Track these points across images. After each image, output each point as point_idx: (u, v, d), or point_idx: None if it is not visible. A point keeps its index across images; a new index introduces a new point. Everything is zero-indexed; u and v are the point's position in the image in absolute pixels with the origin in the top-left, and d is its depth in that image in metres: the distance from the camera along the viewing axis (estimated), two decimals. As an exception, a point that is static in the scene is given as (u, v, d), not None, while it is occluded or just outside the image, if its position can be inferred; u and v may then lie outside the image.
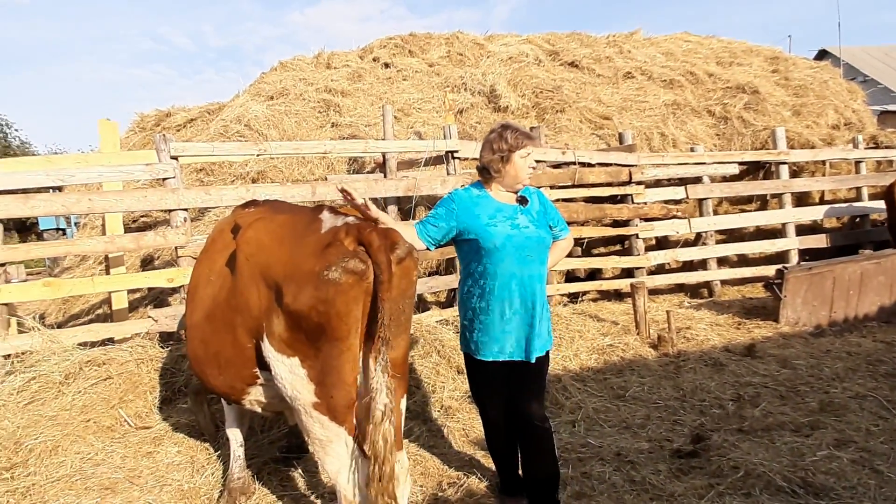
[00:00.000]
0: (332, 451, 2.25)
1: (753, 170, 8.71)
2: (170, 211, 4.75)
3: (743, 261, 8.19)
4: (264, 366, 2.41)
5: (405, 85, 9.25)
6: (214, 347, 2.63)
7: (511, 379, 2.84)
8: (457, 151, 5.87)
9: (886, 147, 9.15)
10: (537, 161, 6.56)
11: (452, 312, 5.76)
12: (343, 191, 2.57)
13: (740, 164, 7.99)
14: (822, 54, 21.69)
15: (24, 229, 25.34)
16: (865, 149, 8.80)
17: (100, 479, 3.21)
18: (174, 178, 4.76)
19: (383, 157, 6.17)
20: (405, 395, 2.43)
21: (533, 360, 2.74)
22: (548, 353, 2.85)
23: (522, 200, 2.82)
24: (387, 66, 9.81)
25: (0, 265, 4.21)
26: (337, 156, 6.87)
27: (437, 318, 5.49)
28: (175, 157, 4.80)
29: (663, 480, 3.18)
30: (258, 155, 5.07)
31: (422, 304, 6.63)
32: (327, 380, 2.18)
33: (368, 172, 7.47)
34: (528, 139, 2.78)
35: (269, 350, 2.30)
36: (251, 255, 2.43)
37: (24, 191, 4.44)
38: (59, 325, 6.37)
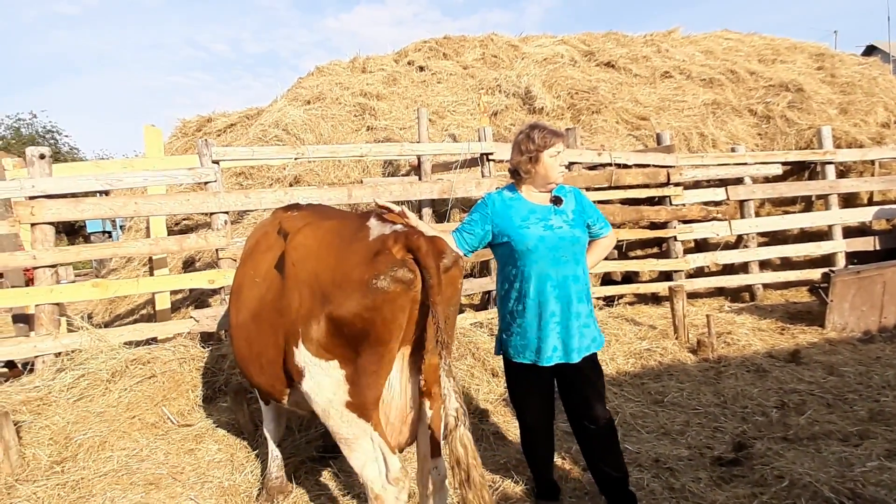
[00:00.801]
0: (359, 446, 2.28)
1: (798, 170, 8.44)
2: (211, 214, 4.87)
3: (786, 264, 7.94)
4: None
5: (439, 88, 9.28)
6: (258, 348, 2.69)
7: (561, 383, 2.83)
8: (491, 154, 5.86)
9: (941, 145, 8.75)
10: (572, 163, 6.53)
11: (487, 315, 5.75)
12: (381, 207, 2.60)
13: (784, 164, 7.75)
14: (871, 50, 20.93)
15: (73, 232, 26.35)
16: (918, 147, 8.42)
17: (144, 475, 3.30)
18: (215, 181, 4.88)
19: (418, 159, 6.20)
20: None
21: (575, 362, 2.70)
22: (595, 355, 2.81)
23: (556, 200, 2.79)
24: (421, 69, 9.86)
25: (51, 266, 4.38)
26: (373, 159, 6.94)
27: (471, 321, 5.48)
28: (216, 162, 4.92)
29: (704, 489, 3.11)
30: (296, 159, 5.16)
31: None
32: (362, 381, 2.22)
33: (403, 175, 7.52)
34: (556, 137, 2.75)
35: (303, 354, 2.34)
36: (299, 260, 2.47)
37: (74, 195, 4.61)
38: (105, 325, 6.60)
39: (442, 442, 2.13)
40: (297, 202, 3.19)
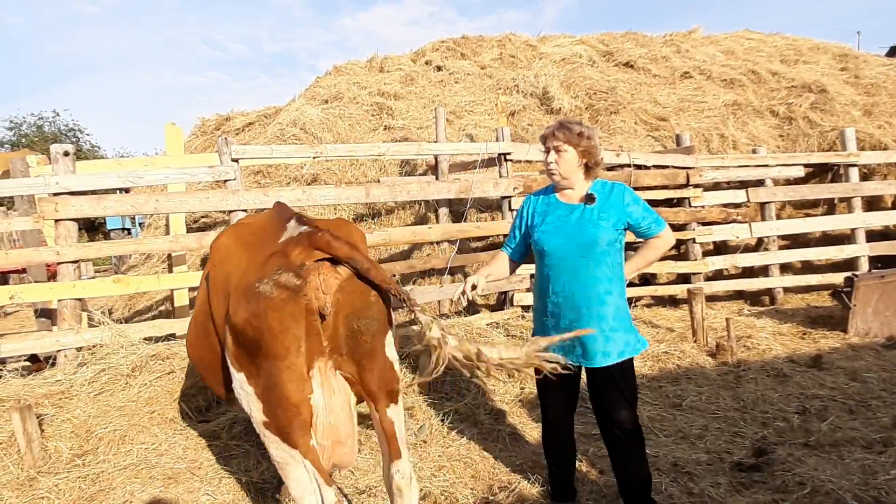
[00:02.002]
0: (291, 473, 2.12)
1: (820, 172, 8.29)
2: (230, 212, 4.91)
3: (808, 267, 7.81)
4: None
5: (457, 87, 9.28)
6: (199, 351, 2.62)
7: (589, 384, 2.80)
8: (509, 154, 5.84)
9: (968, 148, 8.56)
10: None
11: (503, 315, 5.73)
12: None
13: (806, 166, 7.62)
14: (894, 51, 20.51)
15: (93, 229, 26.75)
16: (945, 150, 8.24)
17: (163, 469, 3.34)
18: (234, 179, 4.92)
19: (435, 159, 6.21)
20: (395, 405, 2.30)
21: (596, 366, 2.67)
22: (629, 359, 2.73)
23: (589, 199, 2.70)
24: (439, 68, 9.87)
25: (74, 262, 4.45)
26: (390, 158, 6.96)
27: (487, 321, 5.47)
28: (236, 160, 4.96)
29: (723, 494, 3.07)
30: (314, 157, 5.18)
31: (471, 307, 6.63)
32: (271, 398, 2.05)
33: (420, 175, 7.53)
34: (547, 131, 2.72)
35: (228, 363, 2.22)
36: (220, 261, 2.37)
37: (94, 192, 4.68)
38: (125, 321, 6.68)
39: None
40: (280, 201, 3.10)
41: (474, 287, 2.73)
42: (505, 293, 5.96)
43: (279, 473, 2.19)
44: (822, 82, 9.13)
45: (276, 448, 2.11)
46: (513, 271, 3.06)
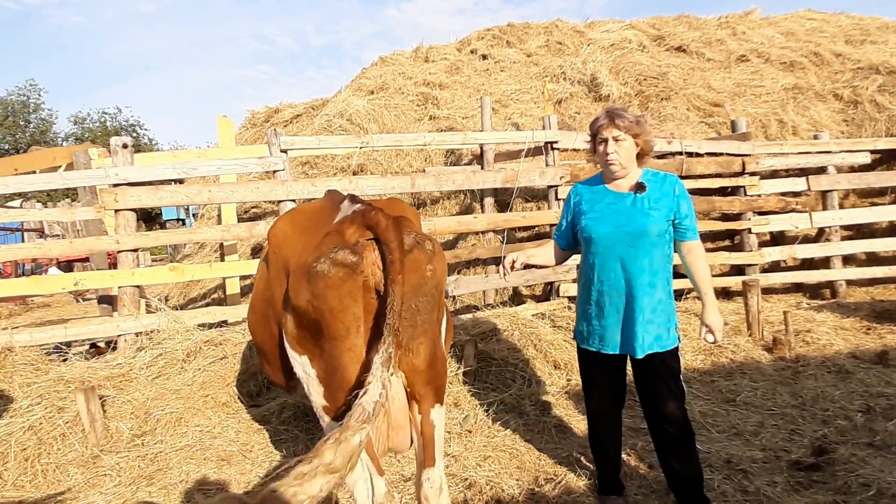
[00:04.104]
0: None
1: (888, 159, 7.83)
2: (279, 202, 5.00)
3: (872, 259, 7.41)
4: None
5: (503, 76, 9.18)
6: (259, 338, 2.63)
7: (635, 375, 2.77)
8: (556, 142, 5.74)
9: None
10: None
11: (549, 306, 5.66)
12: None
13: (872, 152, 7.21)
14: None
15: (149, 220, 27.87)
16: None
17: (217, 451, 3.45)
18: (283, 170, 5.01)
19: (481, 148, 6.16)
20: (440, 406, 2.20)
21: (639, 356, 2.62)
22: (672, 350, 2.68)
23: (639, 187, 2.64)
24: (484, 57, 9.79)
25: (133, 250, 4.63)
26: (436, 148, 6.95)
27: (532, 312, 5.41)
28: (284, 151, 5.04)
29: (780, 493, 2.95)
30: (361, 148, 5.22)
31: (517, 298, 6.58)
32: (333, 382, 2.03)
33: (465, 164, 7.50)
34: (606, 119, 2.60)
35: (287, 348, 2.21)
36: (277, 246, 2.37)
37: (152, 183, 4.84)
38: (180, 308, 6.93)
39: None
40: (333, 188, 3.08)
41: (513, 263, 2.78)
42: (551, 284, 5.88)
43: None
44: (892, 63, 8.60)
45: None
46: (561, 260, 3.03)
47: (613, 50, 9.25)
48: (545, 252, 2.97)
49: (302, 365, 2.16)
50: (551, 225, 5.87)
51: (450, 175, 5.51)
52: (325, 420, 2.14)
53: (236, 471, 3.28)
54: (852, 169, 7.38)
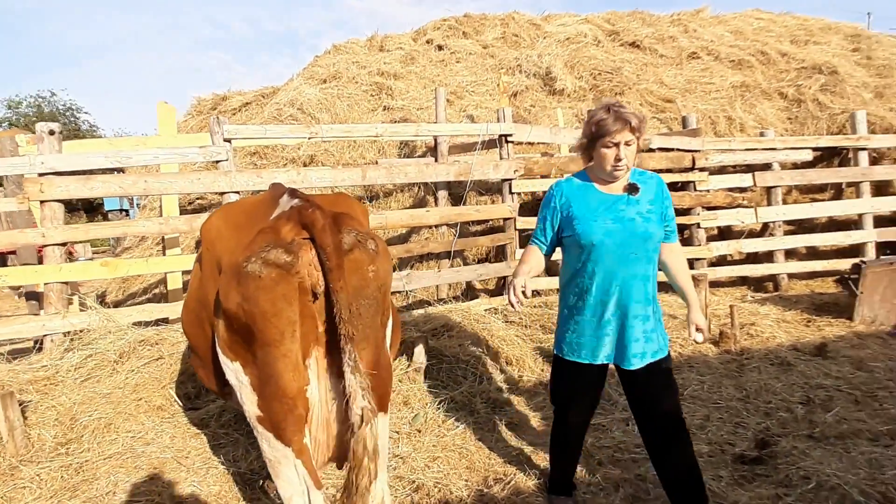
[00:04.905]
0: (282, 473, 1.99)
1: (828, 156, 8.11)
2: (223, 193, 4.78)
3: (813, 253, 7.67)
4: None
5: (458, 67, 9.08)
6: (192, 340, 2.49)
7: (632, 383, 2.60)
8: (510, 135, 5.67)
9: (982, 132, 8.35)
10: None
11: (502, 301, 5.62)
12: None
13: (814, 149, 7.44)
14: (907, 32, 20.11)
15: (91, 210, 26.65)
16: (958, 134, 8.05)
17: (149, 459, 3.25)
18: (227, 160, 4.78)
19: (435, 141, 6.06)
20: (383, 415, 2.13)
21: (633, 368, 2.49)
22: (664, 358, 2.57)
23: (632, 189, 2.48)
24: (440, 48, 9.65)
25: (61, 244, 4.33)
26: (388, 139, 6.79)
27: (485, 307, 5.36)
28: (228, 140, 4.81)
29: (725, 487, 2.98)
30: (309, 138, 5.03)
31: (470, 292, 6.52)
32: (266, 390, 1.92)
33: (419, 157, 7.38)
34: (618, 123, 2.36)
35: (219, 352, 2.09)
36: (210, 243, 2.23)
37: (86, 172, 4.54)
38: (118, 304, 6.60)
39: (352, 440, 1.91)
40: (277, 182, 2.92)
41: (524, 289, 2.52)
42: (504, 278, 5.84)
43: (271, 473, 2.07)
44: (833, 63, 8.90)
45: (268, 445, 2.00)
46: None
47: (569, 44, 9.26)
48: (536, 263, 2.69)
49: (234, 372, 2.03)
50: (505, 219, 5.82)
51: (402, 167, 5.38)
52: (260, 430, 2.00)
53: (170, 479, 3.09)
54: (795, 166, 7.60)
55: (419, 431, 3.75)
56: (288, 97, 8.37)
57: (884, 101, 8.65)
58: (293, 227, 1.91)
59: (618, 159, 2.40)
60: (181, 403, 3.79)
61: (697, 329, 2.64)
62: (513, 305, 2.55)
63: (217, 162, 4.81)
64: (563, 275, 2.67)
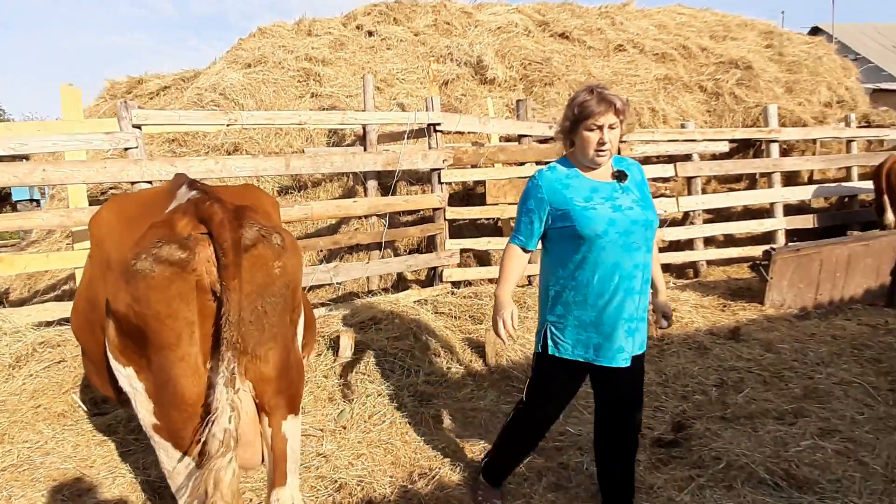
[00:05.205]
0: (182, 485, 1.86)
1: (744, 148, 8.53)
2: (133, 183, 4.49)
3: (730, 241, 8.05)
4: None
5: (389, 54, 8.92)
6: (84, 345, 2.32)
7: (607, 384, 2.49)
8: (439, 124, 5.61)
9: (878, 126, 9.00)
10: (522, 135, 6.35)
11: (432, 292, 5.59)
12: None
13: (731, 141, 7.79)
14: (815, 31, 21.45)
15: (1, 200, 24.72)
16: (857, 127, 8.63)
17: (48, 470, 3.02)
18: (136, 147, 4.49)
19: (363, 129, 5.92)
20: (294, 417, 2.00)
21: (615, 365, 2.39)
22: (644, 351, 2.52)
23: (620, 176, 2.39)
24: (370, 34, 9.45)
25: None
26: (314, 127, 6.59)
27: (415, 298, 5.31)
28: (138, 126, 4.52)
29: (642, 472, 3.06)
30: (227, 125, 4.80)
31: (402, 283, 6.46)
32: (164, 397, 1.79)
33: (348, 145, 7.21)
34: (602, 104, 2.25)
35: (109, 357, 1.95)
36: (100, 238, 2.07)
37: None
38: (23, 302, 6.13)
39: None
40: (182, 172, 2.72)
41: (512, 317, 2.40)
42: (434, 269, 5.80)
43: (171, 487, 1.93)
44: (748, 59, 9.33)
45: (166, 455, 1.88)
46: None
47: (500, 33, 9.27)
48: (520, 269, 2.54)
49: (127, 378, 1.89)
50: (434, 209, 5.77)
51: (328, 156, 5.22)
52: (157, 440, 1.87)
53: (70, 491, 2.89)
54: (714, 157, 7.93)
55: (344, 428, 3.67)
56: (210, 82, 7.98)
57: (793, 95, 9.15)
58: (189, 220, 1.78)
59: (601, 143, 2.29)
60: (86, 409, 3.54)
61: (664, 315, 2.60)
62: (503, 341, 2.46)
63: (126, 149, 4.51)
64: (553, 269, 2.46)
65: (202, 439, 1.70)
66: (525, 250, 2.51)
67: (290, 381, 1.97)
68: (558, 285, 2.44)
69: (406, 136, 5.62)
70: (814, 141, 8.85)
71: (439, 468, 3.18)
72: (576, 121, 2.33)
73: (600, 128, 2.28)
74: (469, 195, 7.11)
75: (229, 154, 7.03)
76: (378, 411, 3.83)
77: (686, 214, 7.55)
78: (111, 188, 7.12)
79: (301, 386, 2.07)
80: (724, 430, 3.45)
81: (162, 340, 1.74)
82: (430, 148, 5.68)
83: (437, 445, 3.46)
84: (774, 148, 7.77)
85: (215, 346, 1.78)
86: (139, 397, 1.87)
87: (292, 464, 2.00)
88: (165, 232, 1.75)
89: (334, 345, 4.29)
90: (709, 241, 7.75)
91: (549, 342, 2.46)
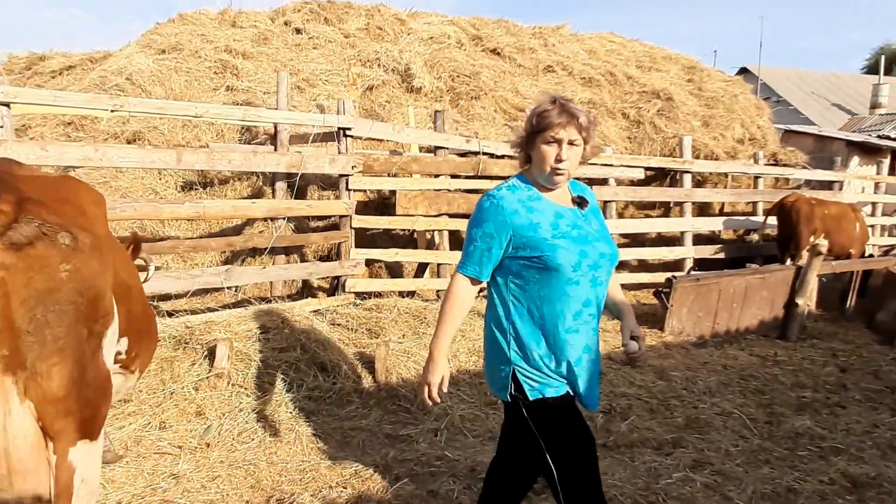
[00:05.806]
0: None
1: (661, 176, 8.77)
2: None
3: (643, 266, 8.24)
4: None
5: (315, 54, 8.66)
6: None
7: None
8: (349, 129, 5.41)
9: (784, 165, 9.48)
10: (438, 147, 6.23)
11: (333, 302, 5.35)
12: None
13: (647, 169, 7.97)
14: (743, 72, 22.71)
15: None
16: (765, 165, 9.06)
17: None
18: (2, 127, 4.06)
19: (275, 128, 5.67)
20: (88, 442, 1.76)
21: (597, 408, 2.20)
22: None
23: (581, 202, 2.15)
24: (298, 31, 9.16)
25: None
26: (210, 121, 6.21)
27: (312, 308, 5.05)
28: (6, 104, 4.09)
29: (513, 502, 2.94)
30: (112, 111, 4.41)
31: (308, 290, 6.19)
32: None
33: (258, 143, 6.90)
34: (563, 116, 1.99)
35: None
36: None
37: None
38: None
39: None
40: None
41: (441, 383, 2.09)
42: (337, 278, 5.57)
43: None
44: (670, 91, 9.65)
45: None
46: None
47: (432, 43, 9.19)
48: (466, 308, 2.16)
49: None
50: (341, 216, 5.55)
51: (225, 154, 4.91)
52: None
53: None
54: (632, 182, 8.10)
55: (208, 446, 3.40)
56: (118, 65, 7.49)
57: (709, 129, 9.52)
58: None
59: (559, 160, 2.01)
60: None
61: (633, 337, 2.29)
62: (426, 403, 2.14)
63: (-9, 129, 4.07)
64: (512, 303, 2.12)
65: None
66: (475, 281, 2.15)
67: (85, 401, 1.71)
68: (519, 318, 2.11)
69: (311, 139, 5.40)
70: (725, 175, 9.22)
71: (300, 493, 2.96)
72: (533, 132, 2.06)
73: (559, 142, 2.01)
74: (385, 204, 6.92)
75: (129, 142, 6.58)
76: (249, 428, 3.57)
77: (600, 237, 7.64)
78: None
79: (103, 407, 1.81)
80: (603, 459, 3.37)
81: None
82: (339, 153, 5.47)
83: (305, 468, 3.24)
84: (687, 178, 8.02)
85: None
86: None
87: (82, 498, 1.73)
88: None
89: (209, 354, 3.99)
90: (623, 265, 7.87)
91: (534, 382, 2.10)
